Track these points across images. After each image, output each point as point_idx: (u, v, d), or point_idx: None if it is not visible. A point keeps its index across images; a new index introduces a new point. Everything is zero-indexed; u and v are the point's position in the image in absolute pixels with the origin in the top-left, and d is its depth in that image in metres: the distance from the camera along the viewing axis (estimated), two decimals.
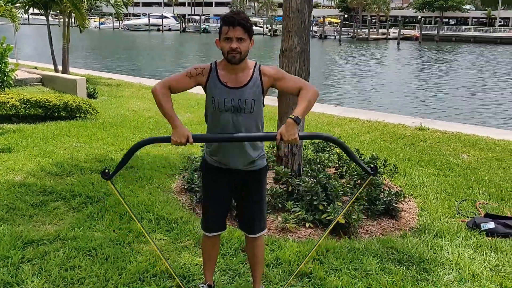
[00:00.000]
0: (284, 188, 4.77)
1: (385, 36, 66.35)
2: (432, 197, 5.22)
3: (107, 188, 5.02)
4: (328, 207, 4.31)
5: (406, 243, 4.10)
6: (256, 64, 2.85)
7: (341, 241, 4.13)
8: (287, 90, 2.84)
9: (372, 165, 2.90)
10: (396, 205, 4.73)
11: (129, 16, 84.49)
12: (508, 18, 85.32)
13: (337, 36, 65.64)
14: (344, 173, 5.49)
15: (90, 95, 10.45)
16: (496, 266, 3.79)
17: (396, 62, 35.21)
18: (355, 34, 67.06)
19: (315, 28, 71.62)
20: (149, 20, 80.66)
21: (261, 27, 76.20)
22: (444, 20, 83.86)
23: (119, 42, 51.24)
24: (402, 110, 14.06)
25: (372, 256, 3.85)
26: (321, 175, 4.83)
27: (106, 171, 2.85)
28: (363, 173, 5.10)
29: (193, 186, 4.86)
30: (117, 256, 3.63)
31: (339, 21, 71.88)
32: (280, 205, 4.59)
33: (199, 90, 11.50)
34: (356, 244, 4.05)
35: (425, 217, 4.74)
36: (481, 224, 4.42)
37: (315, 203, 4.45)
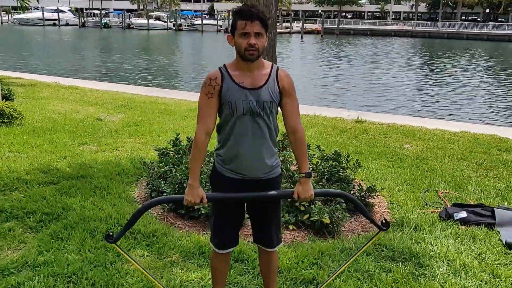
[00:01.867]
0: None
1: (289, 30, 67.98)
2: (397, 190, 5.32)
3: (64, 202, 4.53)
4: (313, 207, 4.21)
5: (391, 238, 4.11)
6: (273, 66, 2.66)
7: (329, 241, 4.05)
8: (284, 111, 2.65)
9: (384, 221, 2.77)
10: (369, 201, 4.75)
11: (19, 9, 78.86)
12: (399, 12, 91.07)
13: None
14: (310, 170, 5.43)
15: (6, 98, 9.48)
16: (480, 255, 3.92)
17: (304, 55, 36.18)
18: None
19: (220, 22, 71.67)
20: (43, 14, 75.59)
21: (164, 21, 74.74)
22: (342, 14, 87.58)
23: (14, 38, 47.58)
24: (322, 103, 14.38)
25: (365, 255, 3.82)
26: (296, 175, 4.72)
27: (111, 234, 2.57)
28: (334, 169, 5.08)
29: (164, 194, 4.52)
30: (105, 280, 3.26)
31: None
32: None
33: (125, 88, 10.95)
34: (346, 243, 3.99)
35: (397, 210, 4.80)
36: (454, 214, 4.56)
37: (296, 204, 4.33)
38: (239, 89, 2.55)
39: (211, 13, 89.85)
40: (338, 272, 3.13)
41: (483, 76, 24.58)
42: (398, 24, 73.63)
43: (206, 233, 4.09)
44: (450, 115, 13.94)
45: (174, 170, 4.75)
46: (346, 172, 5.19)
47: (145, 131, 7.52)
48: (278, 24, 69.76)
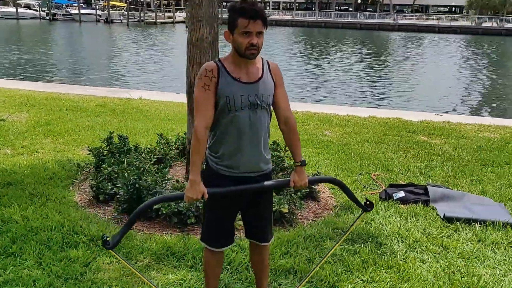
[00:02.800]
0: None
1: (172, 20, 66.86)
2: (333, 175, 5.58)
3: (0, 213, 4.12)
4: (283, 200, 4.28)
5: (345, 221, 4.33)
6: (262, 59, 2.67)
7: (290, 230, 4.16)
8: (276, 101, 2.67)
9: (368, 201, 2.98)
10: (314, 188, 4.94)
11: None
12: (279, 2, 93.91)
13: (124, 20, 63.76)
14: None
15: None
16: (425, 230, 4.28)
17: None
18: (142, 18, 65.97)
19: (99, 12, 68.32)
20: None
21: (36, 10, 69.43)
22: (223, 3, 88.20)
23: None
24: None
25: (328, 239, 3.98)
26: None
27: (107, 239, 2.45)
28: (278, 159, 5.19)
29: (117, 196, 4.29)
30: None
31: (124, 4, 69.65)
32: None
33: (16, 84, 10.19)
34: (307, 231, 4.13)
35: (339, 194, 5.03)
36: (393, 194, 4.92)
37: None
38: (236, 83, 2.53)
39: (88, 2, 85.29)
40: (329, 254, 3.25)
41: (363, 63, 26.36)
42: (279, 13, 75.93)
43: (168, 233, 3.99)
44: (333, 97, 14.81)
45: (120, 170, 4.53)
46: (286, 161, 5.33)
47: (61, 130, 7.03)
48: (160, 13, 68.26)
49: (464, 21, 64.11)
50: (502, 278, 3.53)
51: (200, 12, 4.56)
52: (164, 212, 4.01)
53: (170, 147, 5.61)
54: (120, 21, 65.13)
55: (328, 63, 26.29)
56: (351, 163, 6.02)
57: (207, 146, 2.70)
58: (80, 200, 4.59)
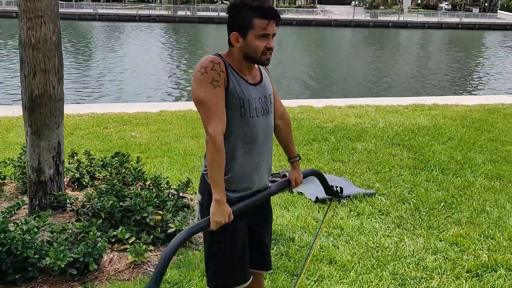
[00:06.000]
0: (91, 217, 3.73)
1: None
2: (184, 179, 5.20)
3: None
4: (175, 219, 3.77)
5: (277, 227, 4.14)
6: None
7: (200, 250, 3.76)
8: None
9: (337, 188, 2.87)
10: (185, 196, 4.57)
11: None
12: None
13: None
14: (86, 183, 4.65)
15: None
16: (309, 215, 4.43)
17: None
18: None
19: None
20: None
21: None
22: None
23: None
24: None
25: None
26: (117, 186, 4.05)
27: None
28: (135, 170, 4.58)
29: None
30: None
31: None
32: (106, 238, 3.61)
33: None
34: None
35: None
36: None
37: (147, 220, 3.78)
38: (247, 85, 2.18)
39: None
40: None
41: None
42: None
43: None
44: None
45: None
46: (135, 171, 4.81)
47: None
48: None
49: (161, 10, 66.80)
50: (402, 243, 3.93)
51: (39, 4, 3.61)
52: (61, 266, 3.08)
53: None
54: None
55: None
56: (190, 164, 5.73)
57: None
58: None
